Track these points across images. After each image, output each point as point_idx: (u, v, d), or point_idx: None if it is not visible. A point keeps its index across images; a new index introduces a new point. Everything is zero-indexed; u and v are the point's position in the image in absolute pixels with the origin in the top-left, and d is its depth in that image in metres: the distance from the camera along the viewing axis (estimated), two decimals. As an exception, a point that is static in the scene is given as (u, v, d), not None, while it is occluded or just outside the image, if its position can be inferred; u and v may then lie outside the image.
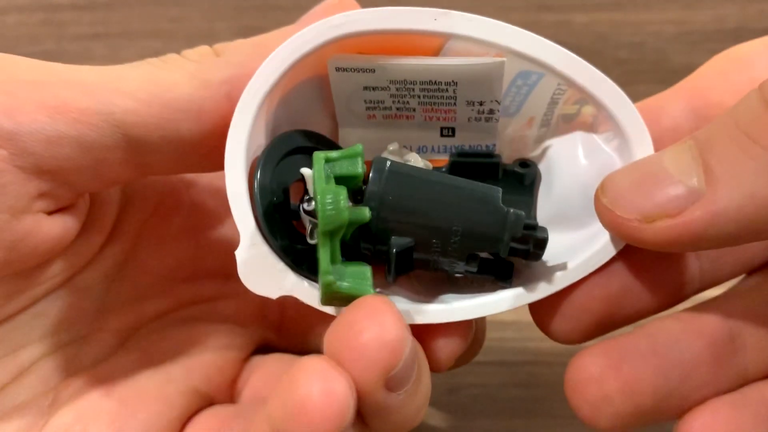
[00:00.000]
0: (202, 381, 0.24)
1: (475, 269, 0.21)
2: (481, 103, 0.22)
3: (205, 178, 0.26)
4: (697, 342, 0.21)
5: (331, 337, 0.19)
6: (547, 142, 0.23)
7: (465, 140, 0.23)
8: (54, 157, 0.20)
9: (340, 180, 0.20)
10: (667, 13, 0.40)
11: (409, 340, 0.19)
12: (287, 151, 0.22)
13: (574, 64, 0.21)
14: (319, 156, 0.20)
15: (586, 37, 0.40)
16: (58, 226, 0.21)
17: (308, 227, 0.21)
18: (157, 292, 0.25)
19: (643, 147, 0.21)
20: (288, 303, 0.22)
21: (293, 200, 0.22)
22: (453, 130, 0.23)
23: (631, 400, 0.21)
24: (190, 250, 0.26)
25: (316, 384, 0.18)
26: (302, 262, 0.21)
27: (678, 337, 0.21)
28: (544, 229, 0.21)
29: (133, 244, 0.25)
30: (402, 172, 0.21)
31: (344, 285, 0.20)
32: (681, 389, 0.21)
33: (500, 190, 0.21)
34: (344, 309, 0.19)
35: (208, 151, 0.21)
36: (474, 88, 0.22)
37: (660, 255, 0.21)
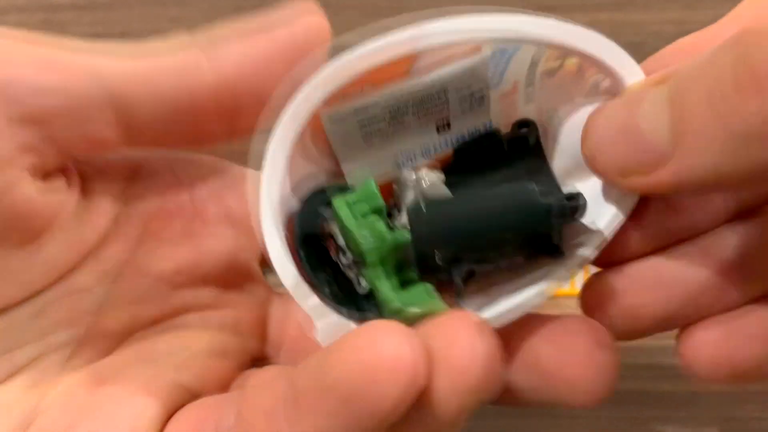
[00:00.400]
0: (191, 378, 0.24)
1: (529, 258, 0.22)
2: (471, 94, 0.23)
3: (208, 184, 0.26)
4: (704, 270, 0.22)
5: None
6: (539, 99, 0.23)
7: (462, 127, 0.23)
8: (41, 106, 0.21)
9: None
10: (667, 13, 0.40)
11: (498, 362, 0.18)
12: (314, 217, 0.22)
13: (546, 28, 0.20)
14: (340, 203, 0.20)
15: (586, 37, 0.40)
16: (48, 197, 0.22)
17: (354, 278, 0.21)
18: (154, 297, 0.25)
19: (633, 78, 0.21)
20: (291, 323, 0.21)
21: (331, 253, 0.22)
22: (447, 121, 0.23)
23: (631, 324, 0.22)
24: (190, 256, 0.25)
25: (398, 343, 0.17)
26: (369, 311, 0.21)
27: (685, 264, 0.22)
28: (579, 195, 0.21)
29: (132, 247, 0.25)
30: (438, 210, 0.21)
31: (413, 308, 0.19)
32: (683, 312, 0.22)
33: (533, 184, 0.20)
34: (425, 322, 0.19)
35: (194, 117, 0.22)
36: (463, 86, 0.22)
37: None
